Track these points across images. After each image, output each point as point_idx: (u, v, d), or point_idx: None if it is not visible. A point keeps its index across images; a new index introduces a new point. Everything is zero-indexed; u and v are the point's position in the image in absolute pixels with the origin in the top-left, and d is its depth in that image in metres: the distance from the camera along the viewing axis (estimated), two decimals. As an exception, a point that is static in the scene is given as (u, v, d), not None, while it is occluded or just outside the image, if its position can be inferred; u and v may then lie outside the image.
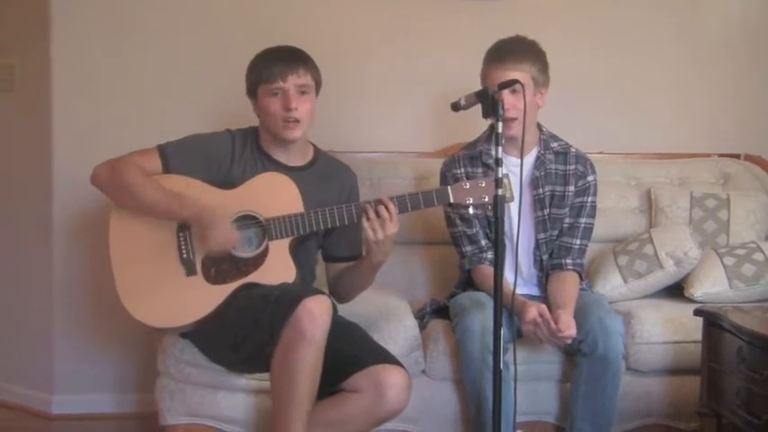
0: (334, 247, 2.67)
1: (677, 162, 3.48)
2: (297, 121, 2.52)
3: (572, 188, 2.81)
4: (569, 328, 2.54)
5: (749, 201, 3.28)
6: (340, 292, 2.66)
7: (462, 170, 2.80)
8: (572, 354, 2.66)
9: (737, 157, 3.55)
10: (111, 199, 2.53)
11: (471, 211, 2.49)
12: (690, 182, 3.40)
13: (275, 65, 2.53)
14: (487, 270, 2.73)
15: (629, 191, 3.38)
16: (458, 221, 2.81)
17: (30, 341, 3.41)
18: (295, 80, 2.52)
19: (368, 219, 2.43)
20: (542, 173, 2.80)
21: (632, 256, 3.04)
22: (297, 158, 2.62)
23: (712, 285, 2.98)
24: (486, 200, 2.44)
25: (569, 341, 2.56)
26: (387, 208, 2.43)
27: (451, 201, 2.47)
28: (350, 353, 2.42)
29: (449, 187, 2.49)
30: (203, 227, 2.41)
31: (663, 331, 2.78)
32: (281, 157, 2.61)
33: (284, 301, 2.29)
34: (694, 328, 2.63)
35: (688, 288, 3.01)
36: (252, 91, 2.60)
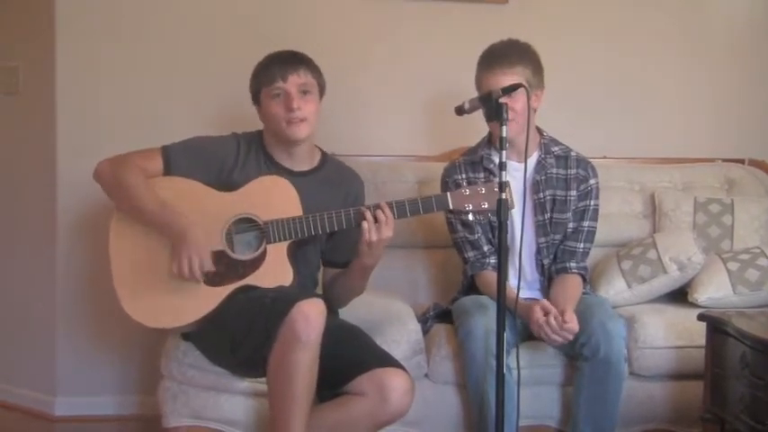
0: (332, 251, 2.67)
1: (681, 167, 3.48)
2: (301, 119, 2.51)
3: (574, 192, 2.80)
4: (572, 321, 2.54)
5: (753, 206, 3.28)
6: (332, 298, 2.64)
7: (464, 176, 2.80)
8: (574, 357, 2.66)
9: (742, 161, 3.55)
10: (108, 196, 2.53)
11: (471, 217, 2.48)
12: (694, 187, 3.40)
13: (274, 67, 2.54)
14: (491, 275, 2.73)
15: (632, 195, 3.38)
16: (460, 227, 2.81)
17: (32, 343, 3.41)
18: (296, 80, 2.52)
19: (365, 219, 2.43)
20: (543, 177, 2.79)
21: (636, 260, 3.03)
22: (302, 164, 2.62)
23: (716, 290, 2.97)
24: (486, 206, 2.42)
25: (571, 337, 2.56)
26: (383, 212, 2.43)
27: (451, 207, 2.46)
28: (352, 356, 2.42)
29: (448, 193, 2.47)
30: (177, 254, 2.39)
31: (666, 336, 2.78)
32: (285, 162, 2.60)
33: (279, 304, 2.29)
34: (698, 332, 2.63)
35: (692, 293, 3.00)
36: (256, 98, 2.60)
